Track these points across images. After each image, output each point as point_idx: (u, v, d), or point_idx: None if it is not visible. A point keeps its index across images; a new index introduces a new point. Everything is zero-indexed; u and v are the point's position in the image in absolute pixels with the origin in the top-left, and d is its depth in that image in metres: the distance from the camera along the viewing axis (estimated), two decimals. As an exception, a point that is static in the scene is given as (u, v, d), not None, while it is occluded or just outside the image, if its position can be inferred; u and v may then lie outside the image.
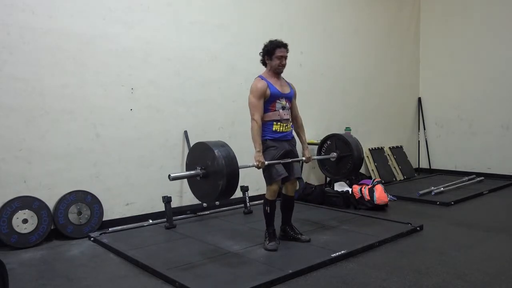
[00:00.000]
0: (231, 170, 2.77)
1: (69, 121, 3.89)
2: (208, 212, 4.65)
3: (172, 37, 4.51)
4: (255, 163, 3.23)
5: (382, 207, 4.77)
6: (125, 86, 4.21)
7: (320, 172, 4.61)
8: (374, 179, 5.19)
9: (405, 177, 6.90)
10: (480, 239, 3.64)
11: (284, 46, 3.41)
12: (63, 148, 3.86)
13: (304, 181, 5.44)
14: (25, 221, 3.59)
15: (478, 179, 6.45)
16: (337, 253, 3.14)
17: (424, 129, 7.67)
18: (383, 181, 5.72)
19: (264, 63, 3.47)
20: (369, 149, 6.70)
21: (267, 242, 3.38)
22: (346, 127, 6.00)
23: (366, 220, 4.27)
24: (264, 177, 3.37)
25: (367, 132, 6.70)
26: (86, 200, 3.94)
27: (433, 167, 7.55)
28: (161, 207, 4.25)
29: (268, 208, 3.40)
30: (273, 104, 3.37)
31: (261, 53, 3.45)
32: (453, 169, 7.29)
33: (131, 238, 3.77)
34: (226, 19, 4.95)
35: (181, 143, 4.63)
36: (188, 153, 3.09)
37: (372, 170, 6.55)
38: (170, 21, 4.50)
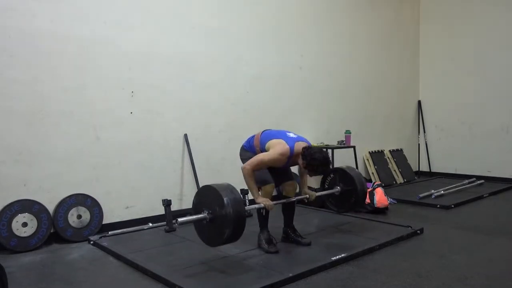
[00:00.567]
0: (237, 218, 2.79)
1: (69, 124, 3.89)
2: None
3: (172, 41, 4.52)
4: (261, 205, 3.25)
5: (382, 210, 4.76)
6: (125, 90, 4.21)
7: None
8: (374, 182, 5.18)
9: (405, 180, 6.90)
10: (481, 243, 3.63)
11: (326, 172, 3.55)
12: (63, 151, 3.86)
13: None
14: (24, 224, 3.59)
15: (478, 182, 6.45)
16: (337, 257, 3.13)
17: (424, 132, 7.68)
18: (383, 184, 5.71)
19: (303, 156, 3.24)
20: (369, 152, 6.71)
21: (267, 246, 3.36)
22: (346, 130, 6.00)
23: (366, 223, 4.26)
24: (256, 182, 3.33)
25: (367, 135, 6.70)
26: (86, 203, 3.94)
27: (433, 170, 7.55)
28: (161, 210, 4.24)
29: (264, 210, 3.38)
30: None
31: (306, 156, 3.22)
32: (453, 172, 7.28)
33: (131, 241, 3.76)
34: (226, 23, 4.96)
35: (181, 146, 4.63)
36: (196, 193, 3.13)
37: (372, 173, 6.55)
38: (170, 24, 4.51)
